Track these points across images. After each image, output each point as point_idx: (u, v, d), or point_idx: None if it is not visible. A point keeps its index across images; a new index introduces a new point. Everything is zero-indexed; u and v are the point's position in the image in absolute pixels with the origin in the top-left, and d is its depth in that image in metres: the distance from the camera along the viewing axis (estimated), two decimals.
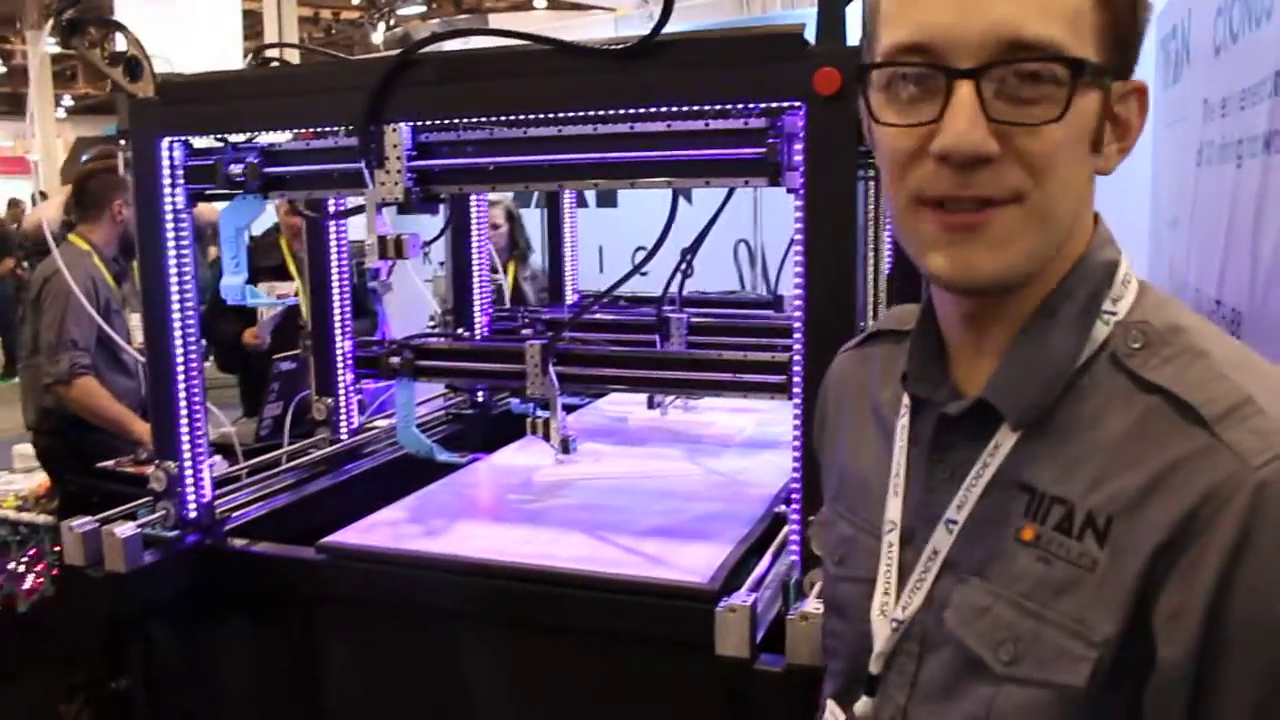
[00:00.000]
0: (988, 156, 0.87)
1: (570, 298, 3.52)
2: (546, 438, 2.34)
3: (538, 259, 5.11)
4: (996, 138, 0.86)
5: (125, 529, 2.11)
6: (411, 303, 3.50)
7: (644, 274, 2.34)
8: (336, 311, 2.77)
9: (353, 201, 2.40)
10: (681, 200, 2.16)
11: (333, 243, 2.77)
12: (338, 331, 2.78)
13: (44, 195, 10.01)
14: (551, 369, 2.30)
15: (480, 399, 3.25)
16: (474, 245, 3.18)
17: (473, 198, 3.13)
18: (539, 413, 2.39)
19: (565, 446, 2.34)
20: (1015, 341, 0.96)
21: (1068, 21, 0.86)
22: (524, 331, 3.12)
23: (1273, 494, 0.81)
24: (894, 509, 1.04)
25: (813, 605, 1.68)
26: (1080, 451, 0.91)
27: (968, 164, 0.87)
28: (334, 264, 2.77)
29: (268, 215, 4.50)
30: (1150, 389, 0.89)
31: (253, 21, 15.02)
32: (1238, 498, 0.81)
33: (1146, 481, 0.86)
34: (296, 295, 3.99)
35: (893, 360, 1.13)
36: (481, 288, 3.19)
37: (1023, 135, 0.87)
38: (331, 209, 2.66)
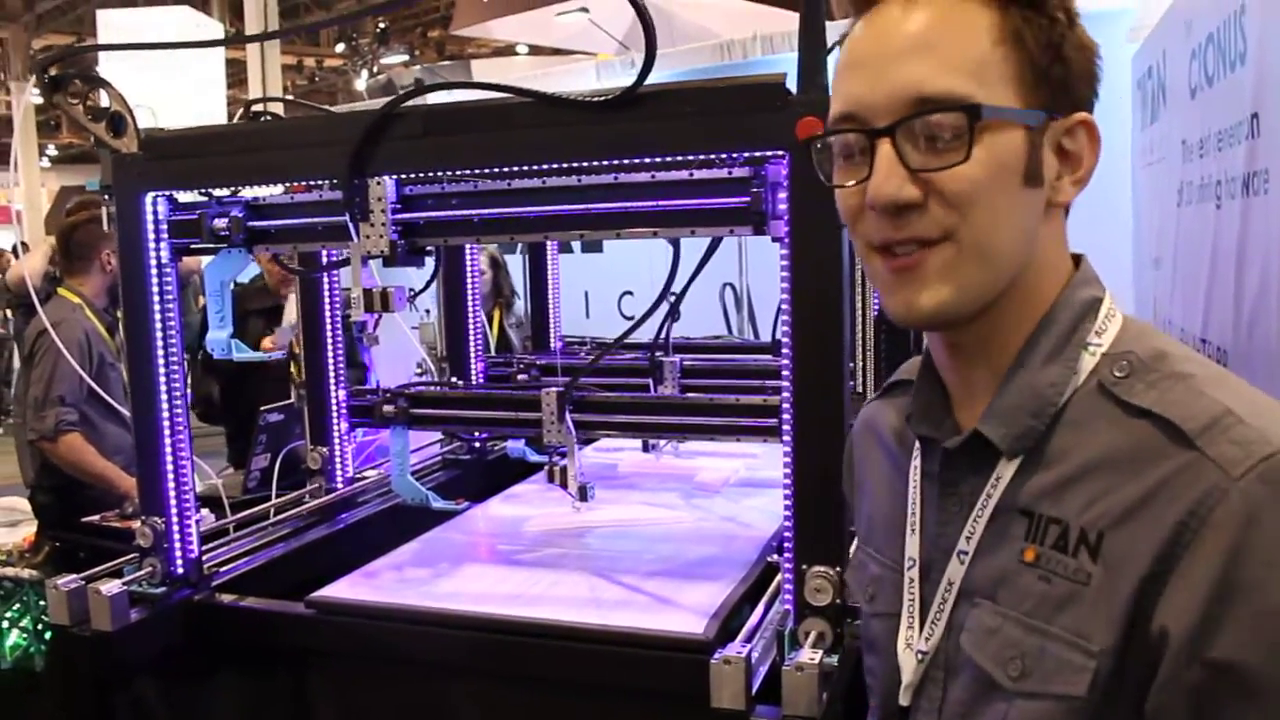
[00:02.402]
0: (909, 202, 0.95)
1: (554, 344, 3.52)
2: (564, 485, 2.33)
3: (522, 305, 5.12)
4: (920, 185, 0.94)
5: (111, 587, 2.09)
6: (398, 350, 3.49)
7: (629, 318, 2.35)
8: (330, 360, 2.77)
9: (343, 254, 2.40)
10: (667, 245, 2.17)
11: (325, 293, 2.77)
12: (331, 380, 2.77)
13: (25, 246, 9.98)
14: (569, 416, 2.29)
15: (477, 445, 3.24)
16: (468, 293, 3.19)
17: (466, 246, 3.13)
18: (555, 460, 2.38)
19: (583, 494, 2.32)
20: (1005, 376, 1.02)
21: (970, 73, 0.94)
22: (520, 378, 3.13)
23: (1255, 500, 0.85)
24: (912, 545, 1.10)
25: (808, 655, 1.67)
26: (1072, 474, 0.96)
27: (893, 210, 0.95)
28: (327, 313, 2.77)
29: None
30: (1136, 413, 0.94)
31: (236, 69, 15.12)
32: (1222, 507, 0.86)
33: (1137, 497, 0.91)
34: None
35: (905, 407, 1.19)
36: (475, 334, 3.19)
37: (942, 179, 0.94)
38: (323, 261, 2.66)
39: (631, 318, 2.30)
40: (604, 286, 5.61)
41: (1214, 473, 0.87)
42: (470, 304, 3.18)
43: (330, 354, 2.77)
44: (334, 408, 2.78)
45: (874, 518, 1.21)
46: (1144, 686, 0.89)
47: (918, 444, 1.12)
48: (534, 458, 3.12)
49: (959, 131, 0.93)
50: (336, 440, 2.79)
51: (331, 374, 2.77)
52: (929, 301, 0.97)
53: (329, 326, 2.77)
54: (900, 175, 0.94)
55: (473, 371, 3.18)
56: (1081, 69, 0.99)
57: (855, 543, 1.29)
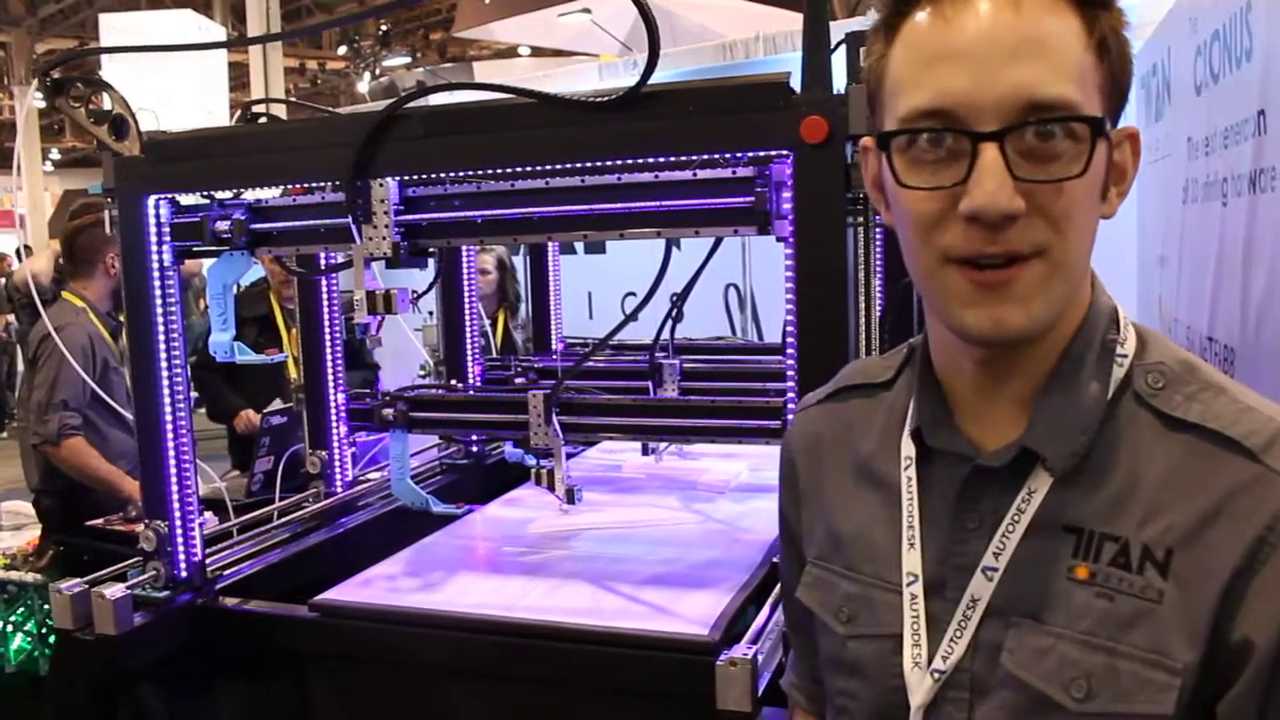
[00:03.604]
0: (1015, 214, 0.89)
1: (555, 345, 3.51)
2: (551, 488, 2.32)
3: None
4: (1021, 195, 0.89)
5: (115, 591, 2.08)
6: (402, 351, 3.49)
7: (634, 320, 2.34)
8: (329, 364, 2.76)
9: (345, 256, 2.40)
10: (671, 246, 2.16)
11: (324, 296, 2.76)
12: (330, 384, 2.76)
13: (29, 250, 10.00)
14: (555, 419, 2.28)
15: (475, 449, 3.23)
16: (465, 296, 3.18)
17: (463, 249, 3.12)
18: (543, 463, 2.37)
19: (570, 496, 2.31)
20: (1046, 389, 0.99)
21: (1077, 80, 0.90)
22: (517, 380, 3.12)
23: None
24: (912, 561, 1.04)
25: None
26: (1122, 490, 0.94)
27: (997, 222, 0.89)
28: (325, 317, 2.76)
29: (258, 267, 4.49)
30: (1181, 426, 0.94)
31: (239, 72, 15.14)
32: None
33: (1204, 512, 0.90)
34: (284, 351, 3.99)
35: (870, 414, 1.15)
36: (473, 338, 3.18)
37: (1045, 192, 0.90)
38: (322, 264, 2.65)
39: (636, 320, 2.29)
40: (607, 287, 5.61)
41: None
42: (468, 306, 3.17)
43: (329, 357, 2.76)
44: (333, 411, 2.77)
45: (840, 534, 1.13)
46: (1215, 697, 0.89)
47: (909, 454, 1.07)
48: (532, 461, 3.11)
49: (1072, 142, 0.90)
50: (336, 444, 2.78)
51: (330, 377, 2.76)
52: (1020, 320, 0.92)
53: (328, 330, 2.76)
54: (1010, 185, 0.88)
55: (470, 374, 3.17)
56: (1132, 77, 0.97)
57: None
